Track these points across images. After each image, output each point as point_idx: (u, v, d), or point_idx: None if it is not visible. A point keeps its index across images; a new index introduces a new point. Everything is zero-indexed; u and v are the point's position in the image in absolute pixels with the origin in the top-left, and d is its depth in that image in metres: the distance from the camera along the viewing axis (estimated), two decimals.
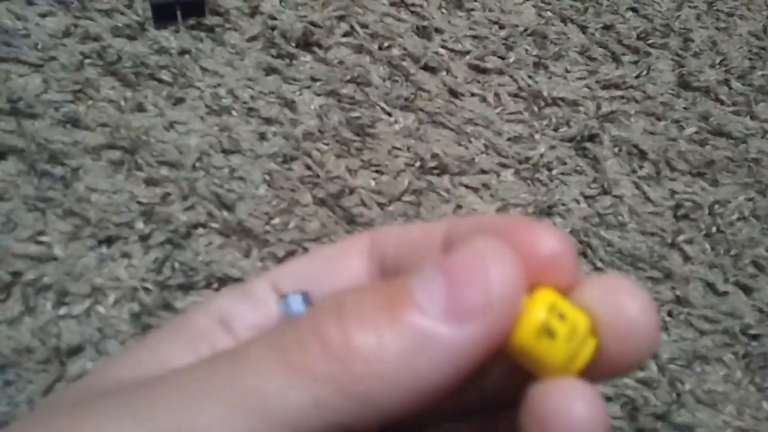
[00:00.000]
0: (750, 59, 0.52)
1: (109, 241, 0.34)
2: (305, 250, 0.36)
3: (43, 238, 0.33)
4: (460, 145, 0.42)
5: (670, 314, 0.38)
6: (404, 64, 0.44)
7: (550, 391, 0.13)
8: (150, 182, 0.36)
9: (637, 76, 0.48)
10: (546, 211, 0.40)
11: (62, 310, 0.31)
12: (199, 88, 0.40)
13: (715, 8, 0.55)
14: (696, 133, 0.46)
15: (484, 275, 0.13)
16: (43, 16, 0.41)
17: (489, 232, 0.15)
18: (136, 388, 0.14)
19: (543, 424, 0.13)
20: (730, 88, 0.49)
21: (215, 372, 0.14)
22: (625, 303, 0.14)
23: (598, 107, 0.45)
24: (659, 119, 0.46)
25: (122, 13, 0.42)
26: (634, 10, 0.52)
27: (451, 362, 0.13)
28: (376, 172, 0.39)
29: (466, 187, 0.40)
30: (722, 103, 0.48)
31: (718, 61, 0.51)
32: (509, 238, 0.14)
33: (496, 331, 0.13)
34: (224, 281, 0.34)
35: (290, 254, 0.35)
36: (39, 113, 0.37)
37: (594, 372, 0.14)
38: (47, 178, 0.35)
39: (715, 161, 0.45)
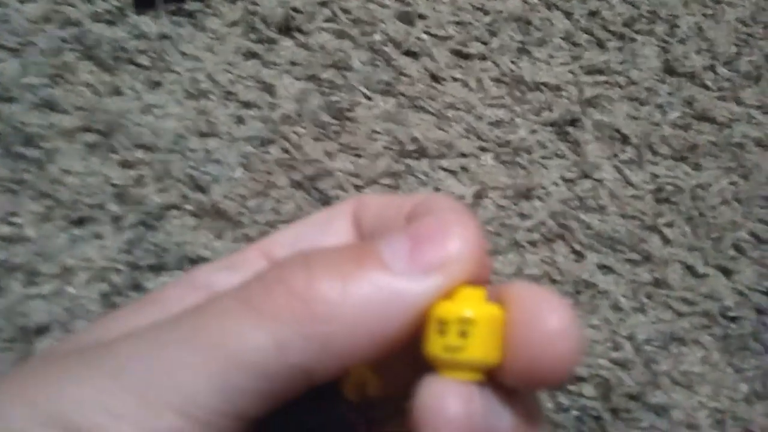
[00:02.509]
0: (737, 45, 0.51)
1: (81, 222, 0.34)
2: None
3: (15, 219, 0.33)
4: (440, 129, 0.41)
5: (648, 296, 0.38)
6: (386, 49, 0.44)
7: (428, 386, 0.14)
8: (125, 165, 0.36)
9: (622, 62, 0.47)
10: (525, 195, 0.40)
11: (31, 290, 0.31)
12: (177, 73, 0.40)
13: None
14: (680, 117, 0.45)
15: (445, 236, 0.14)
16: (22, 2, 0.41)
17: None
18: (107, 344, 0.15)
19: (417, 417, 0.14)
20: (716, 74, 0.49)
21: (181, 323, 0.14)
22: (540, 320, 0.14)
23: (581, 92, 0.45)
24: (643, 104, 0.46)
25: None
26: None
27: (409, 312, 0.14)
28: (354, 155, 0.39)
29: (445, 170, 0.40)
30: (707, 88, 0.48)
31: (704, 47, 0.50)
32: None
33: (450, 288, 0.14)
34: (196, 262, 0.34)
35: (264, 236, 0.35)
36: (16, 97, 0.37)
37: (504, 380, 0.14)
38: (22, 160, 0.35)
39: (699, 146, 0.44)
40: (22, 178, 0.34)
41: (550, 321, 0.14)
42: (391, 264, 0.14)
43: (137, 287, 0.32)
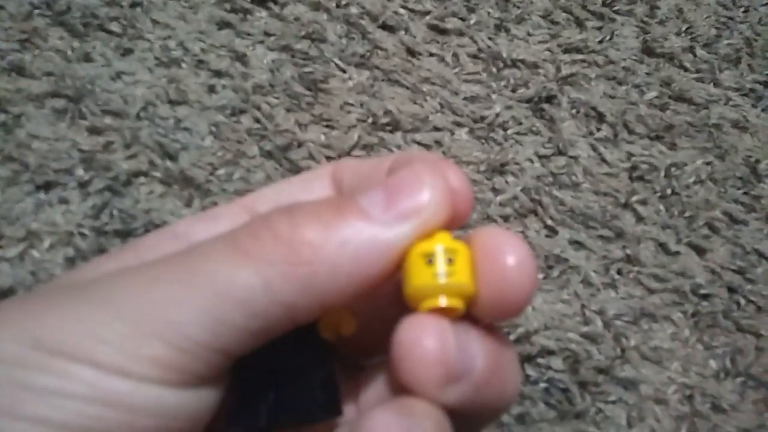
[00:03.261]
0: (717, 28, 0.52)
1: (47, 186, 0.34)
2: None
3: None
4: (415, 103, 0.41)
5: (619, 272, 0.38)
6: (362, 22, 0.44)
7: (406, 325, 0.15)
8: (93, 131, 0.36)
9: (600, 41, 0.48)
10: (498, 170, 0.40)
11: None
12: (148, 40, 0.40)
13: None
14: (657, 97, 0.46)
15: (418, 186, 0.16)
16: None
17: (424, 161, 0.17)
18: (97, 279, 0.16)
19: (396, 352, 0.15)
20: (695, 56, 0.49)
21: (173, 262, 0.15)
22: (502, 254, 0.16)
23: (558, 70, 0.45)
24: (620, 83, 0.46)
25: None
26: None
27: (385, 254, 0.15)
28: (327, 126, 0.39)
29: (419, 143, 0.40)
30: (686, 69, 0.48)
31: (684, 29, 0.50)
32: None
33: (423, 233, 0.15)
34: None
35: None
36: None
37: (474, 315, 0.16)
38: None
39: (675, 126, 0.45)
40: None
41: (510, 256, 0.15)
42: (368, 212, 0.15)
43: (103, 252, 0.32)
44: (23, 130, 0.35)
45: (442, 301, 0.16)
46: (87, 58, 0.38)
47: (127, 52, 0.39)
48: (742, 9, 0.54)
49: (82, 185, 0.34)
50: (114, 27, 0.40)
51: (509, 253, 0.16)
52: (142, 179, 0.35)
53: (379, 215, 0.16)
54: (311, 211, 0.16)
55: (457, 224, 0.17)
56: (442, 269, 0.15)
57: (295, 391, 0.17)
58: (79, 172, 0.34)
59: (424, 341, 0.15)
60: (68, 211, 0.33)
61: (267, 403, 0.17)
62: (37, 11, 0.40)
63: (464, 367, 0.16)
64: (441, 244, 0.16)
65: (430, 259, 0.16)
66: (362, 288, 0.15)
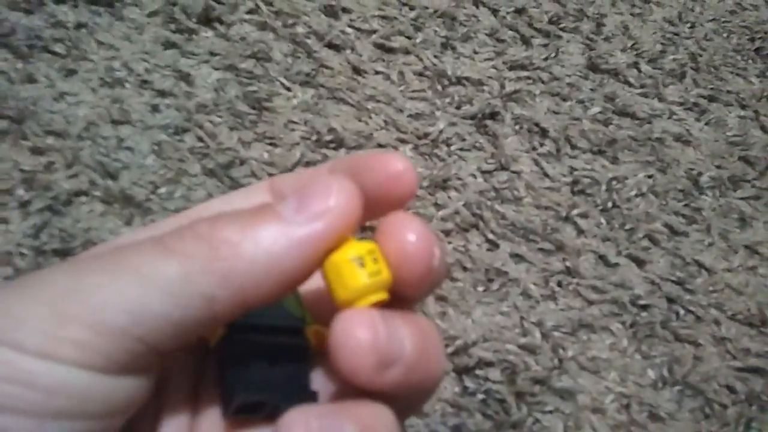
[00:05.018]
0: (662, 44, 0.54)
1: None
2: None
3: None
4: (359, 120, 0.43)
5: (559, 284, 0.39)
6: (308, 41, 0.45)
7: (341, 319, 0.18)
8: (35, 151, 0.37)
9: (546, 58, 0.50)
10: (441, 185, 0.41)
11: None
12: (93, 61, 0.41)
13: None
14: (600, 113, 0.48)
15: (327, 193, 0.18)
16: None
17: (344, 172, 0.20)
18: (31, 274, 0.18)
19: (333, 346, 0.17)
20: (640, 71, 0.51)
21: (100, 256, 0.17)
22: (402, 234, 0.19)
23: (503, 87, 0.47)
24: (564, 99, 0.48)
25: None
26: None
27: (298, 250, 0.17)
28: (270, 144, 0.40)
29: None
30: (630, 85, 0.50)
31: (629, 45, 0.53)
32: (370, 163, 0.20)
33: (331, 232, 0.18)
34: None
35: None
36: None
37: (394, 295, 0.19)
38: None
39: (618, 140, 0.46)
40: None
41: (409, 234, 0.18)
42: (282, 214, 0.18)
43: None
44: None
45: (374, 298, 0.18)
46: (30, 80, 0.39)
47: (70, 73, 0.40)
48: (688, 25, 0.56)
49: (23, 205, 0.35)
50: (58, 48, 0.41)
51: (409, 232, 0.18)
52: (82, 198, 0.36)
53: (291, 216, 0.18)
54: (231, 215, 0.18)
55: (405, 201, 0.20)
56: (374, 268, 0.18)
57: (277, 377, 0.19)
58: (20, 192, 0.35)
59: (358, 333, 0.17)
60: (8, 230, 0.34)
61: (250, 383, 0.19)
62: None
63: (395, 351, 0.18)
64: (366, 246, 0.18)
65: (361, 261, 0.18)
66: (279, 283, 0.17)
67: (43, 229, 0.35)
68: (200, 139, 0.39)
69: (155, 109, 0.40)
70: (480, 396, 0.35)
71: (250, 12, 0.45)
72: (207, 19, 0.44)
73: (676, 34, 0.55)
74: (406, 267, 0.18)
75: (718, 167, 0.48)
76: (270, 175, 0.39)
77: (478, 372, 0.36)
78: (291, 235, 0.18)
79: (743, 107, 0.52)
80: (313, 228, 0.18)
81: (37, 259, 0.34)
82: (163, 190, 0.37)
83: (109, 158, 0.37)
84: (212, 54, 0.43)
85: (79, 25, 0.42)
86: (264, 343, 0.20)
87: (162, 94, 0.40)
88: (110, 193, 0.36)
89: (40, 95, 0.39)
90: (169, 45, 0.43)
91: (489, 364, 0.36)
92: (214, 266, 0.17)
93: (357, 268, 0.18)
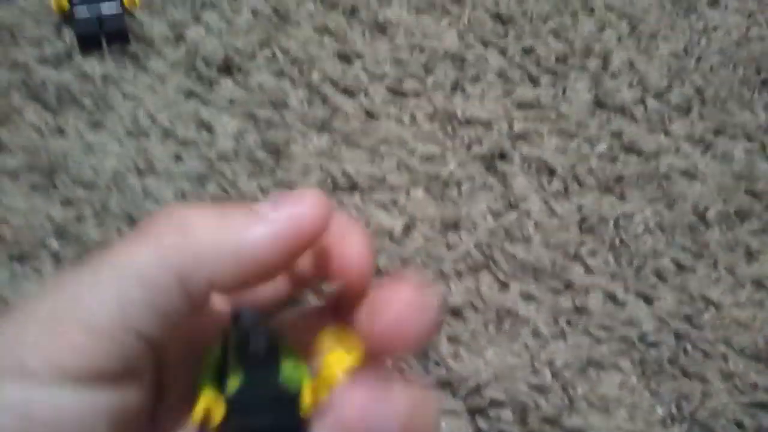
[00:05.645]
0: (668, 78, 0.55)
1: (21, 258, 0.37)
2: None
3: None
4: (372, 164, 0.45)
5: (568, 323, 0.41)
6: (323, 87, 0.47)
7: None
8: (65, 202, 0.39)
9: (553, 97, 0.51)
10: (452, 226, 0.43)
11: None
12: (118, 113, 0.43)
13: (637, 30, 0.58)
14: (607, 150, 0.49)
15: (301, 199, 0.21)
16: None
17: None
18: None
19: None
20: (646, 107, 0.53)
21: (96, 255, 0.19)
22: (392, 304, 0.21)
23: (511, 126, 0.48)
24: (572, 137, 0.49)
25: (50, 43, 0.46)
26: (555, 33, 0.56)
27: (269, 241, 0.20)
28: (288, 189, 0.42)
29: (376, 203, 0.43)
30: (636, 120, 0.52)
31: (635, 80, 0.54)
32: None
33: (301, 230, 0.20)
34: None
35: None
36: None
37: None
38: None
39: (625, 177, 0.48)
40: None
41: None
42: (258, 209, 0.20)
43: None
44: (0, 205, 0.38)
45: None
46: (60, 132, 0.42)
47: (98, 125, 0.42)
48: (694, 58, 0.58)
49: (55, 255, 0.37)
50: (86, 101, 0.43)
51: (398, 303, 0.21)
52: None
53: (265, 213, 0.20)
54: (204, 208, 0.21)
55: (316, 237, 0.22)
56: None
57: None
58: (53, 242, 0.38)
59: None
60: (42, 281, 0.36)
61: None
62: (14, 88, 0.43)
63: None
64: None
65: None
66: (246, 268, 0.20)
67: None
68: (221, 187, 0.41)
69: (178, 158, 0.42)
70: None
71: (267, 60, 0.48)
72: (227, 69, 0.46)
73: (683, 68, 0.56)
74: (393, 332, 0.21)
75: (725, 201, 0.49)
76: None
77: (490, 412, 0.37)
78: (263, 226, 0.20)
79: (749, 140, 0.53)
80: (284, 223, 0.20)
81: None
82: None
83: (135, 208, 0.39)
84: (231, 102, 0.45)
85: (106, 78, 0.45)
86: (261, 424, 0.21)
87: (184, 143, 0.43)
88: None
89: (70, 147, 0.41)
90: (190, 95, 0.45)
91: (501, 404, 0.37)
92: (184, 246, 0.19)
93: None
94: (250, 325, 0.23)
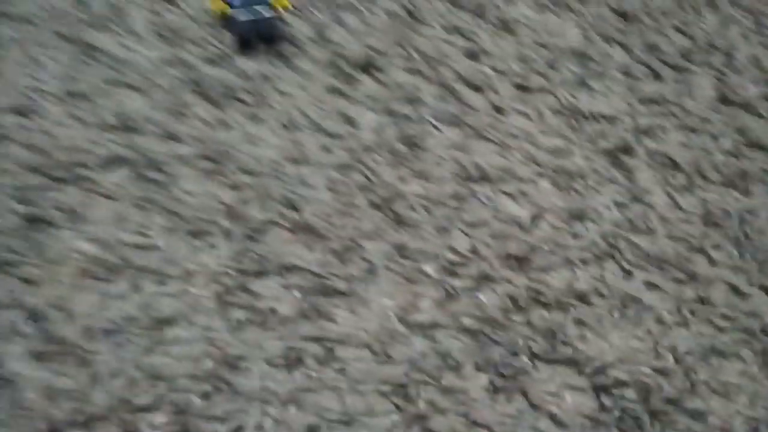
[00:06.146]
0: None
1: (198, 234, 0.43)
2: (359, 246, 0.43)
3: (147, 231, 0.42)
4: (501, 156, 0.48)
5: (691, 312, 0.43)
6: (454, 84, 0.51)
7: None
8: (233, 187, 0.45)
9: (677, 93, 0.53)
10: (578, 217, 0.46)
11: (161, 288, 0.40)
12: (274, 108, 0.49)
13: (762, 26, 0.59)
14: (731, 145, 0.51)
15: None
16: (147, 47, 0.51)
17: None
18: None
19: None
20: None
21: None
22: None
23: (635, 122, 0.51)
24: (696, 133, 0.51)
25: (213, 45, 0.52)
26: (678, 29, 0.57)
27: None
28: (424, 179, 0.47)
29: (505, 194, 0.47)
30: (761, 117, 0.53)
31: (760, 77, 0.55)
32: None
33: None
34: (291, 270, 0.42)
35: (347, 249, 0.43)
36: (143, 129, 0.47)
37: None
38: (151, 183, 0.44)
39: (749, 172, 0.49)
40: (151, 197, 0.44)
41: None
42: None
43: (245, 289, 0.41)
44: (178, 188, 0.45)
45: None
46: (225, 125, 0.48)
47: (257, 118, 0.48)
48: None
49: (226, 233, 0.43)
50: (246, 97, 0.49)
51: None
52: (273, 228, 0.44)
53: None
54: None
55: None
56: None
57: None
58: (224, 222, 0.43)
59: None
60: (217, 255, 0.42)
61: None
62: (183, 85, 0.49)
63: None
64: None
65: None
66: None
67: (243, 254, 0.42)
68: (365, 176, 0.46)
69: (327, 149, 0.47)
70: (616, 413, 0.40)
71: (402, 59, 0.52)
72: (366, 67, 0.51)
73: None
74: None
75: None
76: (425, 208, 0.45)
77: (614, 391, 0.40)
78: None
79: None
80: None
81: (240, 279, 0.41)
82: (336, 220, 0.44)
83: (292, 193, 0.45)
84: (372, 99, 0.50)
85: (262, 76, 0.50)
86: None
87: (332, 136, 0.48)
88: (295, 223, 0.44)
89: (234, 138, 0.47)
90: (335, 92, 0.50)
91: (624, 384, 0.40)
92: None
93: None
94: None
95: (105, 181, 0.44)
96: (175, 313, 0.40)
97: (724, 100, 0.53)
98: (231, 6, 0.50)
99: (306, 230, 0.44)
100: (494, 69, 0.53)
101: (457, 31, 0.55)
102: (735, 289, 0.44)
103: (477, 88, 0.52)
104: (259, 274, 0.42)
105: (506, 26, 0.55)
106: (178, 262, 0.42)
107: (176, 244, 0.42)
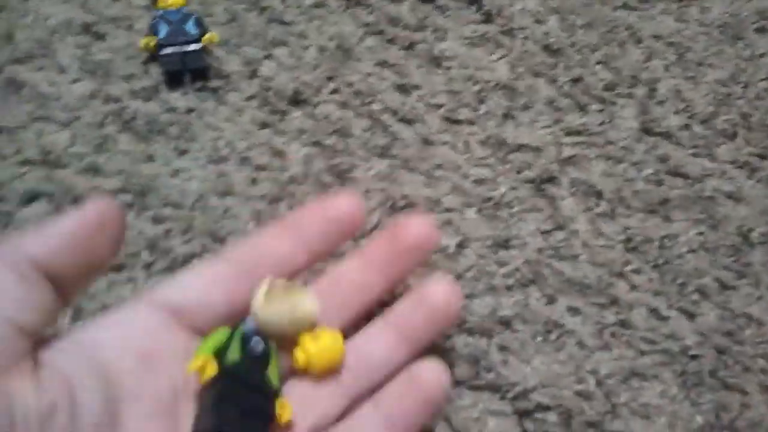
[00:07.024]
0: (714, 105, 0.59)
1: (118, 268, 0.43)
2: None
3: None
4: (428, 187, 0.50)
5: (613, 335, 0.45)
6: (383, 117, 0.53)
7: None
8: (156, 220, 0.46)
9: (601, 124, 0.56)
10: (503, 245, 0.48)
11: (78, 325, 0.40)
12: (201, 142, 0.50)
13: (684, 59, 0.62)
14: (653, 174, 0.53)
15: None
16: (73, 82, 0.52)
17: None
18: None
19: None
20: (692, 132, 0.57)
21: None
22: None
23: (559, 152, 0.53)
24: (618, 162, 0.53)
25: (140, 79, 0.53)
26: (603, 63, 0.60)
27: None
28: None
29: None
30: (683, 146, 0.56)
31: (682, 107, 0.58)
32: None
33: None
34: None
35: None
36: (66, 163, 0.47)
37: None
38: None
39: (670, 199, 0.52)
40: None
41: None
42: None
43: None
44: None
45: None
46: (150, 159, 0.48)
47: (183, 152, 0.49)
48: (740, 85, 0.61)
49: (147, 266, 0.44)
50: (172, 131, 0.50)
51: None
52: (196, 260, 0.44)
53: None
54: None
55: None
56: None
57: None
58: (145, 255, 0.44)
59: None
60: (135, 288, 0.43)
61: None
62: (108, 120, 0.50)
63: None
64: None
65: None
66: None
67: None
68: (292, 207, 0.47)
69: (254, 182, 0.48)
70: None
71: (332, 92, 0.54)
72: (296, 101, 0.53)
73: (729, 95, 0.60)
74: None
75: None
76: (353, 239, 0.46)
77: (537, 415, 0.41)
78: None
79: None
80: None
81: None
82: None
83: (217, 225, 0.46)
84: (301, 132, 0.51)
85: (189, 110, 0.51)
86: (242, 394, 0.28)
87: (259, 168, 0.49)
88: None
89: (159, 172, 0.48)
90: (264, 125, 0.51)
91: (547, 408, 0.41)
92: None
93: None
94: (254, 330, 0.31)
95: (22, 215, 0.44)
96: None
97: (647, 130, 0.56)
98: (158, 39, 0.52)
99: None
100: (424, 102, 0.55)
101: (387, 65, 0.57)
102: (655, 312, 0.46)
103: (406, 121, 0.53)
104: None
105: (436, 61, 0.58)
106: (95, 297, 0.42)
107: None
